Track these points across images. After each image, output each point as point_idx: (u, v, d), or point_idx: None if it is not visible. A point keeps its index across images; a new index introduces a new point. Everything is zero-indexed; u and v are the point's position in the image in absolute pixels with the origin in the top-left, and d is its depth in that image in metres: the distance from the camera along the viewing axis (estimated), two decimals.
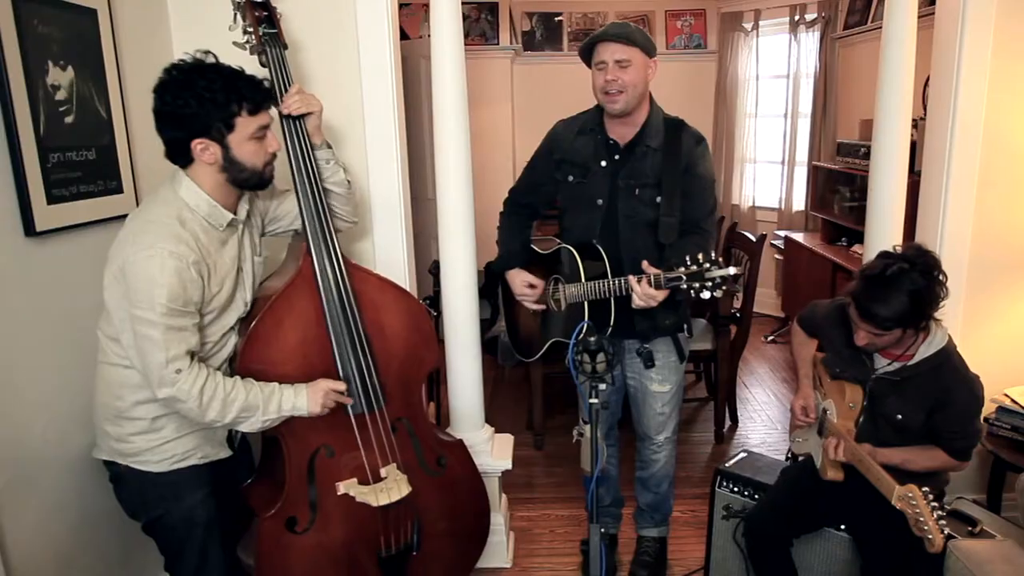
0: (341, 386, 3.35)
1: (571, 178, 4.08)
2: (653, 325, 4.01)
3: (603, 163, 3.98)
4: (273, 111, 3.22)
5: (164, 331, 2.85)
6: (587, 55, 3.86)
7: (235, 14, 3.43)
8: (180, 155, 3.02)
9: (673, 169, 3.86)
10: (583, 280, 3.91)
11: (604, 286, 3.80)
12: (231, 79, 2.95)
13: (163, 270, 2.81)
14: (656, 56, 3.83)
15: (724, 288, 3.45)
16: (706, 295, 3.43)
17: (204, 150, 2.96)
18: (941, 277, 3.31)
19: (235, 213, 3.18)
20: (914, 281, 3.23)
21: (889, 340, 3.39)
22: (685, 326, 4.21)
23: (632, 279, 3.63)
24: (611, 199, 3.97)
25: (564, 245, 4.07)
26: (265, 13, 3.43)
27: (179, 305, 2.87)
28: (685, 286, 3.45)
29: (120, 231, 2.98)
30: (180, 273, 2.85)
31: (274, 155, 3.15)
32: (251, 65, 3.41)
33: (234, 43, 3.42)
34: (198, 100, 2.87)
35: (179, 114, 2.90)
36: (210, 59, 2.99)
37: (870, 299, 3.28)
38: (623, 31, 3.71)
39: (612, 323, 3.88)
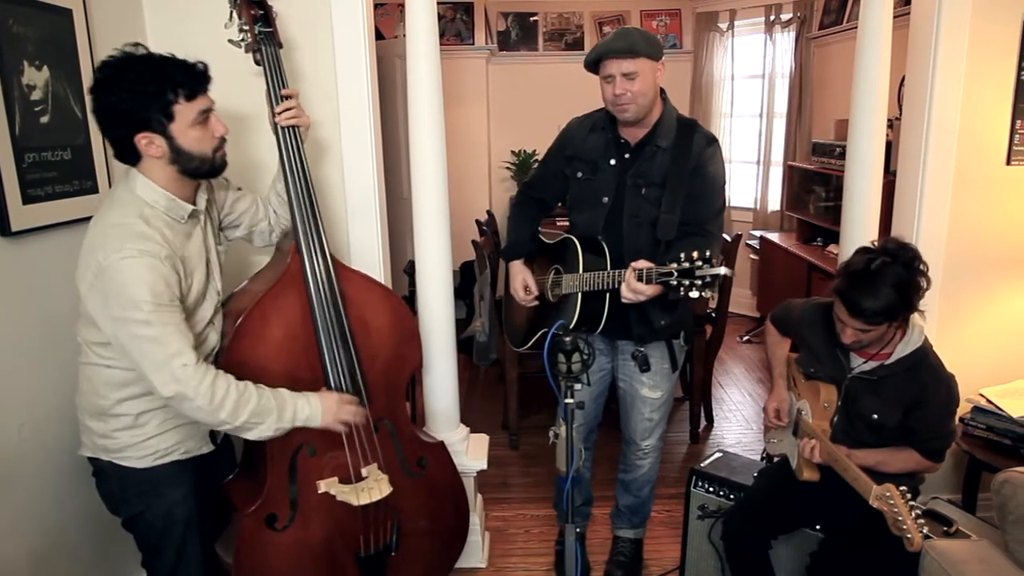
0: (352, 403, 3.37)
1: (580, 174, 4.07)
2: (649, 328, 3.99)
3: (612, 161, 3.97)
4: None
5: (159, 328, 2.81)
6: (592, 67, 3.83)
7: (231, 12, 3.41)
8: (128, 153, 2.95)
9: (680, 169, 3.83)
10: (580, 271, 3.89)
11: (599, 278, 3.77)
12: (161, 67, 2.88)
13: (139, 269, 2.77)
14: (663, 57, 3.80)
15: (714, 289, 3.41)
16: (695, 294, 3.34)
17: (149, 144, 2.89)
18: (922, 267, 3.34)
19: (195, 204, 3.14)
20: (897, 273, 3.26)
21: (875, 336, 3.40)
22: (683, 333, 4.20)
23: (624, 272, 3.58)
24: (617, 197, 3.95)
25: (569, 236, 4.06)
26: (261, 12, 3.41)
27: (165, 301, 2.83)
28: (675, 282, 3.38)
29: (85, 238, 2.91)
30: (155, 269, 2.80)
31: (223, 139, 3.09)
32: (231, 61, 3.41)
33: (229, 41, 3.42)
34: (131, 94, 2.81)
35: (116, 111, 2.84)
36: (140, 51, 2.91)
37: (858, 294, 3.28)
38: (627, 45, 3.66)
39: (604, 319, 3.87)
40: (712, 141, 3.93)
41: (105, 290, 2.80)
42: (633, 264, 3.54)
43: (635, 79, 3.70)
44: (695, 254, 3.31)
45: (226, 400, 2.95)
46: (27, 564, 3.30)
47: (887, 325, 3.35)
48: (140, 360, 2.86)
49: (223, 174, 3.23)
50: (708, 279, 3.31)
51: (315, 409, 3.20)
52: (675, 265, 3.36)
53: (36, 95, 3.32)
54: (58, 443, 3.37)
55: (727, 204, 9.88)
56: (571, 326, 3.79)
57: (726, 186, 4.03)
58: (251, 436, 3.12)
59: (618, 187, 3.95)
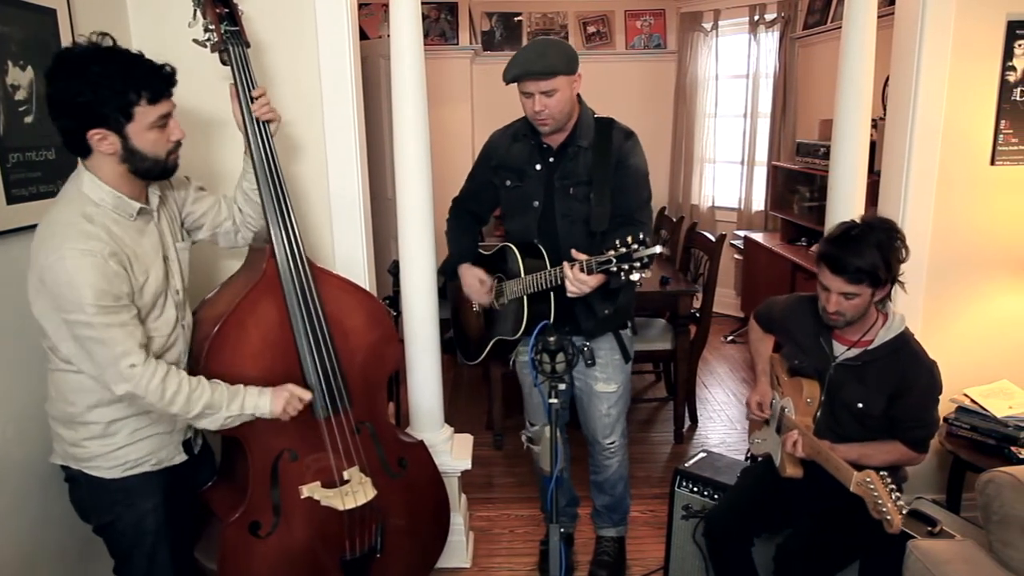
0: (306, 394, 3.32)
1: (509, 183, 4.14)
2: (595, 319, 4.05)
3: (538, 166, 4.04)
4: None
5: (103, 329, 2.77)
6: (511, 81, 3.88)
7: (195, 10, 3.35)
8: (77, 146, 2.88)
9: (604, 165, 3.92)
10: (522, 275, 3.94)
11: (541, 278, 3.83)
12: (129, 65, 2.80)
13: (79, 270, 2.71)
14: (578, 68, 3.84)
15: (649, 268, 3.45)
16: (635, 276, 3.42)
17: (102, 140, 2.82)
18: (900, 236, 3.45)
19: (146, 202, 3.08)
20: (878, 237, 3.36)
21: (857, 305, 3.45)
22: (629, 323, 4.26)
23: (565, 265, 3.63)
24: (547, 199, 4.03)
25: (506, 243, 4.10)
26: (226, 10, 3.35)
27: (109, 301, 2.78)
28: (615, 268, 3.44)
29: (34, 236, 2.87)
30: (98, 268, 2.75)
31: (178, 143, 3.03)
32: (212, 64, 3.39)
33: (194, 40, 3.36)
34: (93, 88, 2.73)
35: (73, 103, 2.76)
36: (107, 42, 2.83)
37: (841, 251, 3.37)
38: (544, 66, 3.72)
39: (552, 317, 3.89)
40: (630, 135, 4.03)
41: (49, 291, 2.77)
42: (572, 257, 3.61)
43: (553, 95, 3.78)
44: (630, 239, 3.40)
45: (177, 396, 2.94)
46: (12, 563, 3.29)
47: (870, 292, 3.41)
48: (90, 361, 2.85)
49: (184, 173, 3.22)
50: (645, 259, 3.39)
51: (264, 399, 3.18)
52: (612, 252, 3.45)
53: (20, 95, 3.30)
54: (43, 444, 3.33)
55: (712, 205, 9.95)
56: (521, 330, 3.86)
57: (648, 176, 4.10)
58: (203, 425, 3.12)
59: (547, 190, 4.03)
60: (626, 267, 3.41)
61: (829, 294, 3.46)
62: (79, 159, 2.96)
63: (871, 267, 3.32)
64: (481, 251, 4.36)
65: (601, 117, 4.05)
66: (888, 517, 3.00)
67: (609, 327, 4.16)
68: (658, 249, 3.40)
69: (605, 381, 4.24)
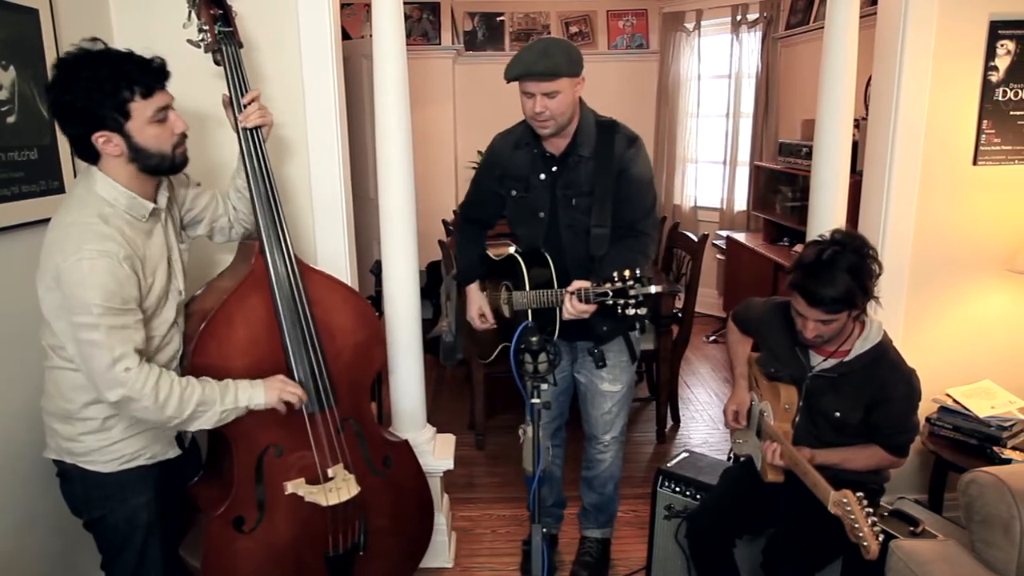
0: (296, 387, 3.33)
1: (514, 192, 4.10)
2: (598, 337, 4.02)
3: (542, 176, 3.99)
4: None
5: (106, 332, 2.78)
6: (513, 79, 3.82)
7: (189, 11, 3.38)
8: (87, 151, 2.92)
9: (606, 176, 3.87)
10: (528, 288, 3.94)
11: (546, 296, 3.84)
12: (117, 64, 2.84)
13: (94, 271, 2.74)
14: (583, 71, 3.79)
15: (646, 307, 3.45)
16: (631, 312, 3.42)
17: (107, 143, 2.86)
18: (872, 253, 3.43)
19: (155, 202, 3.10)
20: (849, 260, 3.34)
21: (835, 328, 3.44)
22: (637, 324, 4.21)
23: (565, 295, 3.63)
24: (552, 210, 3.99)
25: (513, 252, 4.09)
26: (220, 11, 3.38)
27: (117, 304, 2.79)
28: (611, 302, 3.45)
29: (45, 238, 2.88)
30: (112, 271, 2.77)
31: (183, 135, 3.06)
32: (201, 61, 3.39)
33: (188, 41, 3.39)
34: (85, 93, 2.78)
35: (71, 110, 2.81)
36: (98, 46, 2.88)
37: (815, 283, 3.34)
38: (548, 67, 3.65)
39: (557, 332, 3.90)
40: (633, 141, 3.95)
41: (62, 292, 2.77)
42: (570, 288, 3.60)
43: (555, 97, 3.71)
44: (627, 273, 3.39)
45: (171, 398, 2.94)
46: None
47: (847, 313, 3.41)
48: (86, 364, 2.85)
49: (183, 170, 3.21)
50: (640, 298, 3.38)
51: (257, 389, 3.19)
52: (609, 285, 3.44)
53: (2, 95, 3.28)
54: (24, 444, 3.33)
55: (695, 205, 9.96)
56: (526, 331, 3.85)
57: (653, 182, 4.06)
58: (198, 425, 3.10)
59: (551, 200, 3.99)
60: (621, 302, 3.41)
61: (806, 321, 3.46)
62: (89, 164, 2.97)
63: (846, 295, 3.32)
64: (491, 256, 4.36)
65: (602, 119, 3.99)
66: (865, 543, 3.00)
67: (619, 332, 4.13)
68: (653, 290, 3.39)
69: (611, 381, 4.24)
